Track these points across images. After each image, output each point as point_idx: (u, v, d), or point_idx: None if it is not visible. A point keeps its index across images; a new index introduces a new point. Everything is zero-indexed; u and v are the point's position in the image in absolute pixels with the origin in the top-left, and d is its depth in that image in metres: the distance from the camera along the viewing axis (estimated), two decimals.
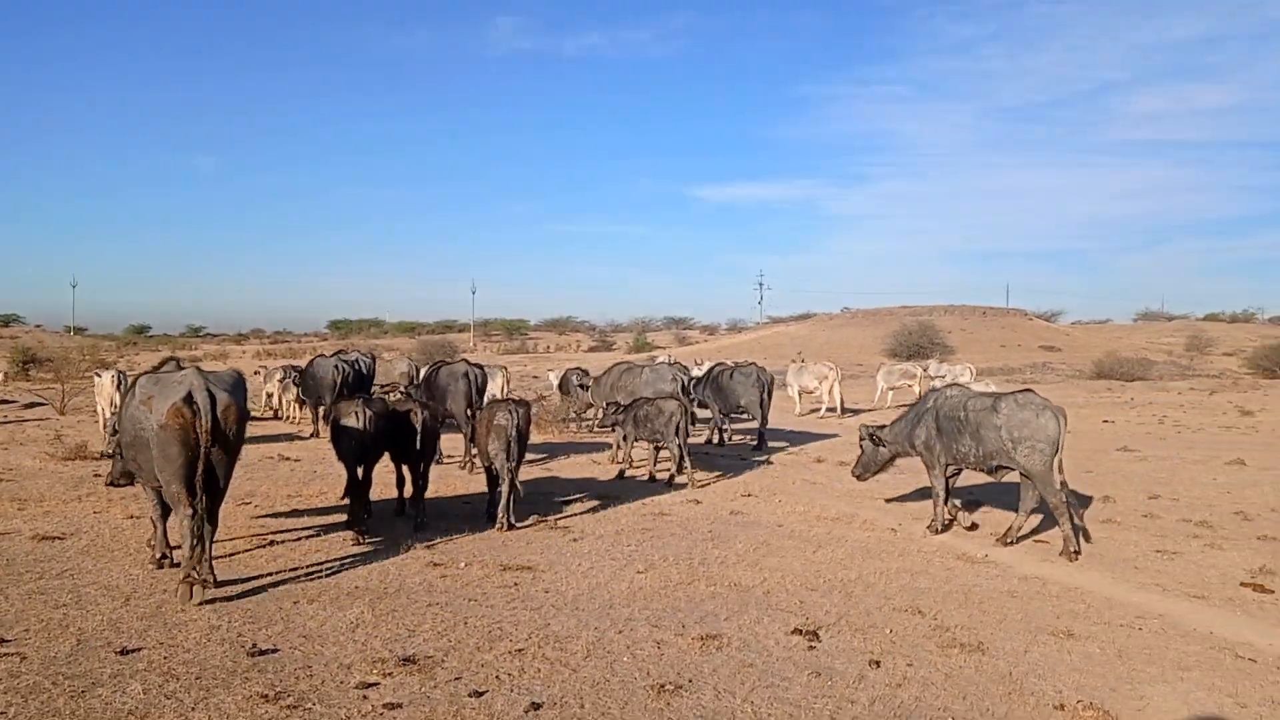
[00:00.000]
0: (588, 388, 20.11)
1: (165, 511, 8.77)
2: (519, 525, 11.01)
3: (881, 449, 11.96)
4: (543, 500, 12.77)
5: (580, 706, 5.76)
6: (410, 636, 6.94)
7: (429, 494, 11.51)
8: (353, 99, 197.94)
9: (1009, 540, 10.75)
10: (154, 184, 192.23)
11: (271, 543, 9.86)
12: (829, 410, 27.27)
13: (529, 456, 16.77)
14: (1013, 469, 10.65)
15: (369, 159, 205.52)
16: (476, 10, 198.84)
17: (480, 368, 16.81)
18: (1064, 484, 10.34)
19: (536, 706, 5.70)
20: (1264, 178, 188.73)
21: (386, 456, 11.21)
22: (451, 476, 14.47)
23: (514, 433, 10.93)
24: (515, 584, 8.57)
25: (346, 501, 10.83)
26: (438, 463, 15.86)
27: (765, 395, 19.18)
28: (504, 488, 10.94)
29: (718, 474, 15.45)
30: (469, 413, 15.39)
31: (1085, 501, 13.29)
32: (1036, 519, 11.39)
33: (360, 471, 10.62)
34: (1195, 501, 13.52)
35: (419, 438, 11.04)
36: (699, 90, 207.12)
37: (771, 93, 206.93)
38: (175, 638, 6.71)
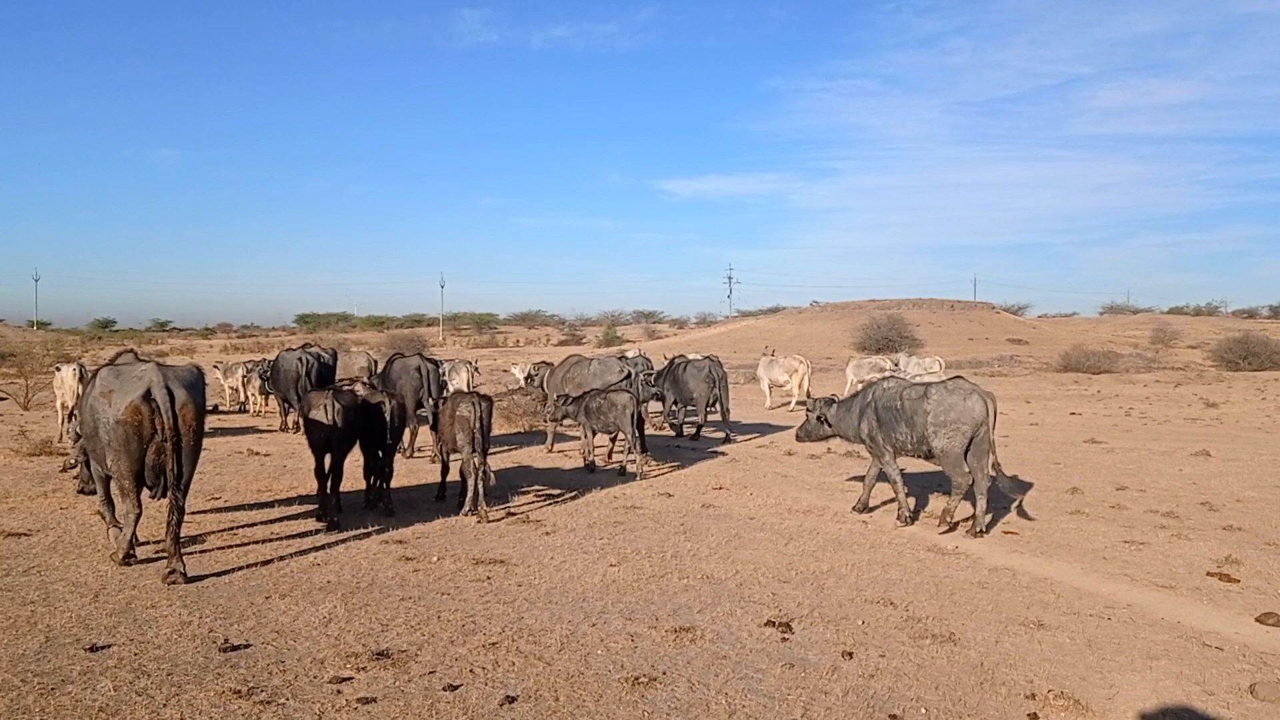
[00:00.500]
0: (542, 380, 20.15)
1: (112, 501, 9.05)
2: (473, 513, 11.17)
3: (825, 427, 12.46)
4: (514, 494, 12.75)
5: (555, 699, 5.75)
6: (383, 631, 6.90)
7: (403, 485, 11.49)
8: (318, 92, 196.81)
9: (978, 530, 10.88)
10: (118, 177, 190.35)
11: (242, 538, 9.77)
12: (799, 404, 27.39)
13: (499, 450, 16.77)
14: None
15: (336, 153, 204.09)
16: (442, 3, 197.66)
17: (434, 361, 17.37)
18: (997, 464, 10.97)
19: (511, 700, 5.69)
20: (1226, 172, 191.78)
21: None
22: (422, 470, 14.40)
23: (478, 424, 11.14)
24: (488, 578, 8.54)
25: (317, 498, 10.97)
26: (409, 456, 15.88)
27: (718, 388, 19.66)
28: (472, 479, 11.20)
29: (673, 465, 15.50)
30: (419, 404, 15.98)
31: (1053, 493, 13.47)
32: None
33: (330, 461, 10.80)
34: (1162, 493, 13.70)
35: (388, 428, 11.29)
36: (667, 84, 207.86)
37: (739, 86, 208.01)
38: (145, 634, 6.64)
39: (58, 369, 18.90)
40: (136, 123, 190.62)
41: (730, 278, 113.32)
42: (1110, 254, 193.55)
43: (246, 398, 24.59)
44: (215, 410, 24.18)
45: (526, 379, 22.49)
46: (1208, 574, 9.32)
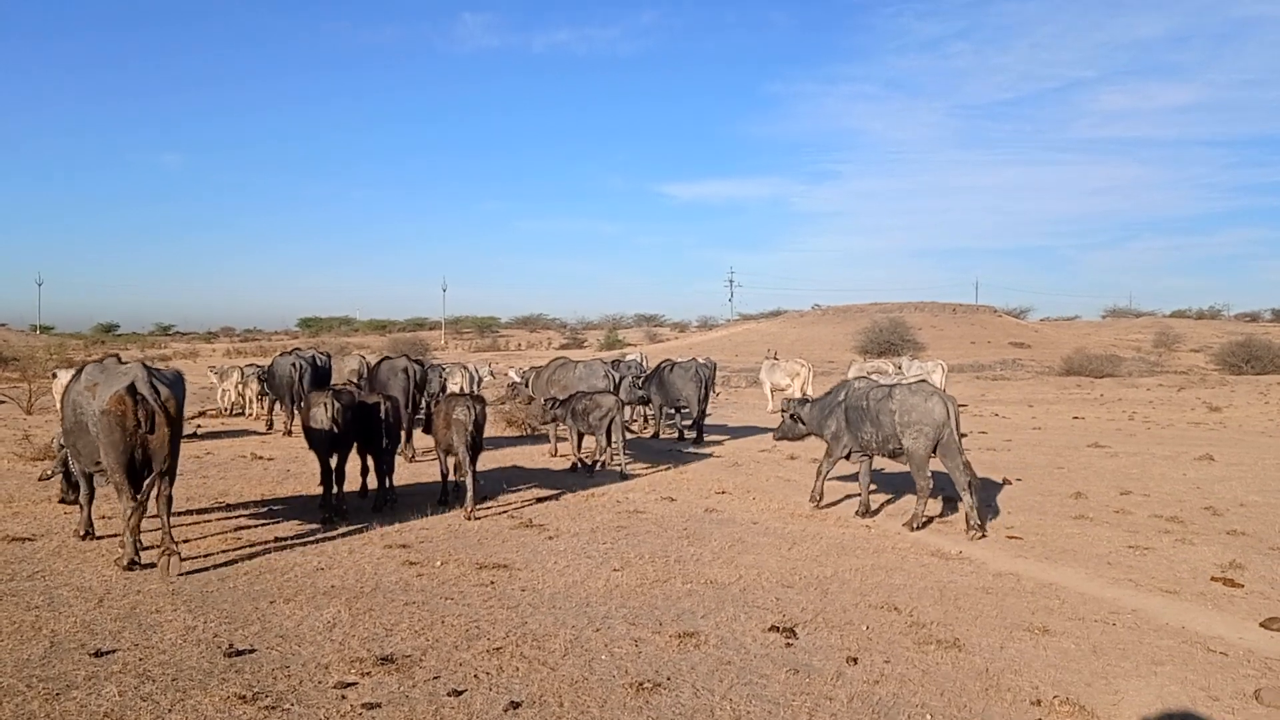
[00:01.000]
0: (528, 382, 20.28)
1: (92, 495, 9.76)
2: (480, 516, 11.42)
3: (799, 426, 12.86)
4: (516, 497, 12.76)
5: (559, 705, 5.75)
6: (388, 636, 6.90)
7: (404, 486, 11.51)
8: (321, 96, 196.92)
9: (972, 525, 11.06)
10: (121, 181, 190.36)
11: (246, 542, 9.77)
12: None
13: (497, 450, 16.78)
14: (903, 451, 11.44)
15: (338, 156, 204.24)
16: (444, 7, 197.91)
17: (421, 363, 18.04)
18: (967, 464, 11.12)
19: (515, 705, 5.68)
20: (1228, 175, 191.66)
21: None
22: (423, 472, 14.39)
23: (472, 426, 11.45)
24: (491, 582, 8.54)
25: (320, 498, 11.31)
26: (411, 460, 15.89)
27: (704, 390, 19.81)
28: (467, 479, 11.46)
29: (676, 469, 15.51)
30: (409, 405, 16.51)
31: (1057, 498, 13.46)
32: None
33: (333, 461, 11.18)
34: (1166, 497, 13.68)
35: (385, 428, 11.69)
36: (668, 88, 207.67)
37: (740, 90, 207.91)
38: (150, 639, 6.64)
39: (54, 375, 18.89)
40: (140, 127, 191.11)
41: (731, 281, 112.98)
42: (1112, 257, 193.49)
43: (247, 401, 24.68)
44: (201, 414, 24.21)
45: (510, 385, 22.63)
46: (1212, 579, 9.31)
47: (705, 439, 20.13)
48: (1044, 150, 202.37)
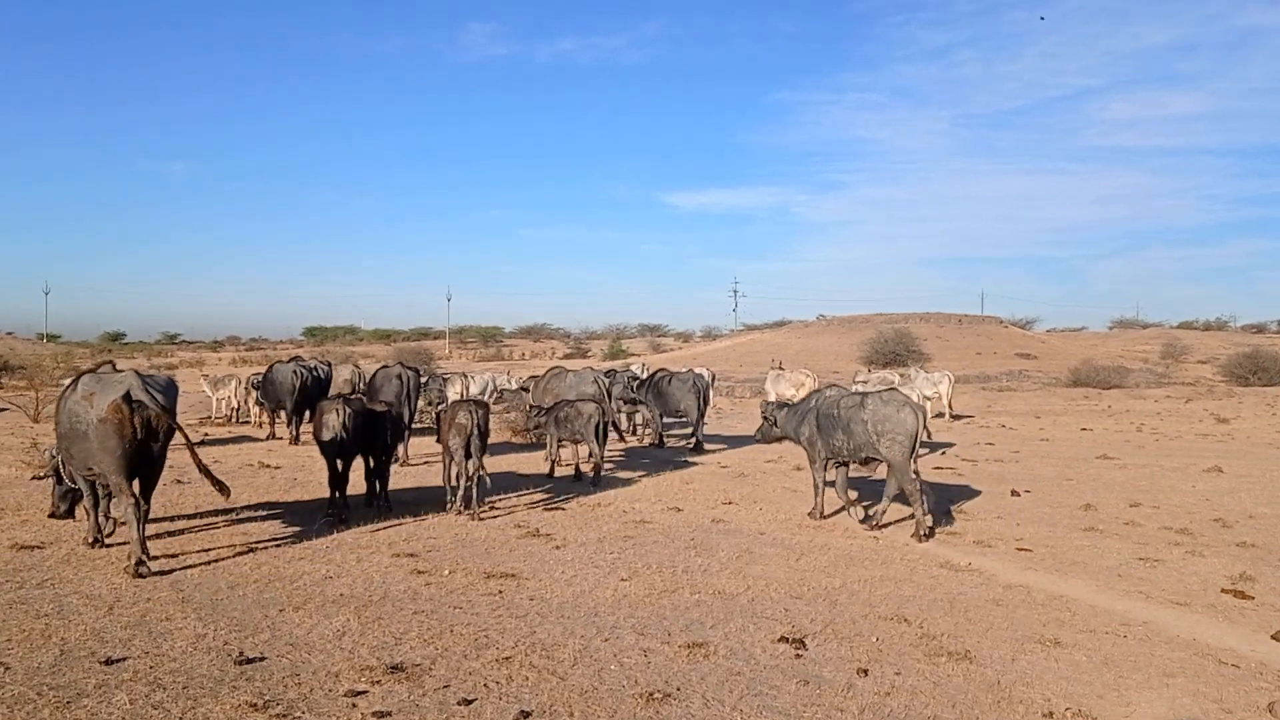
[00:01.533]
0: (528, 390, 20.51)
1: (97, 501, 9.79)
2: (484, 518, 11.82)
3: (774, 429, 13.29)
4: (522, 506, 12.75)
5: (569, 715, 5.73)
6: (397, 644, 6.90)
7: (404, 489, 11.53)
8: (327, 105, 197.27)
9: (877, 525, 11.79)
10: (127, 190, 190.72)
11: (254, 550, 9.77)
12: None
13: (509, 462, 16.78)
14: (879, 460, 11.84)
15: (343, 165, 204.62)
16: (450, 16, 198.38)
17: (415, 370, 18.66)
18: (916, 473, 11.57)
19: (526, 715, 5.67)
20: (1235, 186, 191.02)
21: None
22: (422, 475, 14.39)
23: (474, 430, 11.82)
24: (500, 591, 8.54)
25: (328, 500, 11.79)
26: (401, 464, 15.91)
27: (701, 400, 20.21)
28: (466, 481, 11.93)
29: (681, 480, 15.53)
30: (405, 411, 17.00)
31: (1067, 510, 13.42)
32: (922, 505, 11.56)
33: (340, 465, 11.67)
34: (1175, 509, 13.64)
35: (389, 435, 12.46)
36: (672, 97, 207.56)
37: (745, 99, 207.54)
38: (161, 647, 6.64)
39: (62, 383, 18.92)
40: (147, 135, 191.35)
41: (736, 291, 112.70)
42: (1119, 267, 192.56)
43: (248, 410, 24.80)
44: (204, 420, 24.28)
45: (500, 392, 22.74)
46: (1222, 591, 9.28)
47: (709, 449, 20.24)
48: (1051, 159, 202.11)
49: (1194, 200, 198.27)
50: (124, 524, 9.32)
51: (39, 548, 9.60)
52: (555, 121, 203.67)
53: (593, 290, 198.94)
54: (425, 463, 16.85)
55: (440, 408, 14.42)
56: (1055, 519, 12.76)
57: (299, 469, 15.77)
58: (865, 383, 30.47)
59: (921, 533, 11.37)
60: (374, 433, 12.14)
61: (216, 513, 11.69)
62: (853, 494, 13.02)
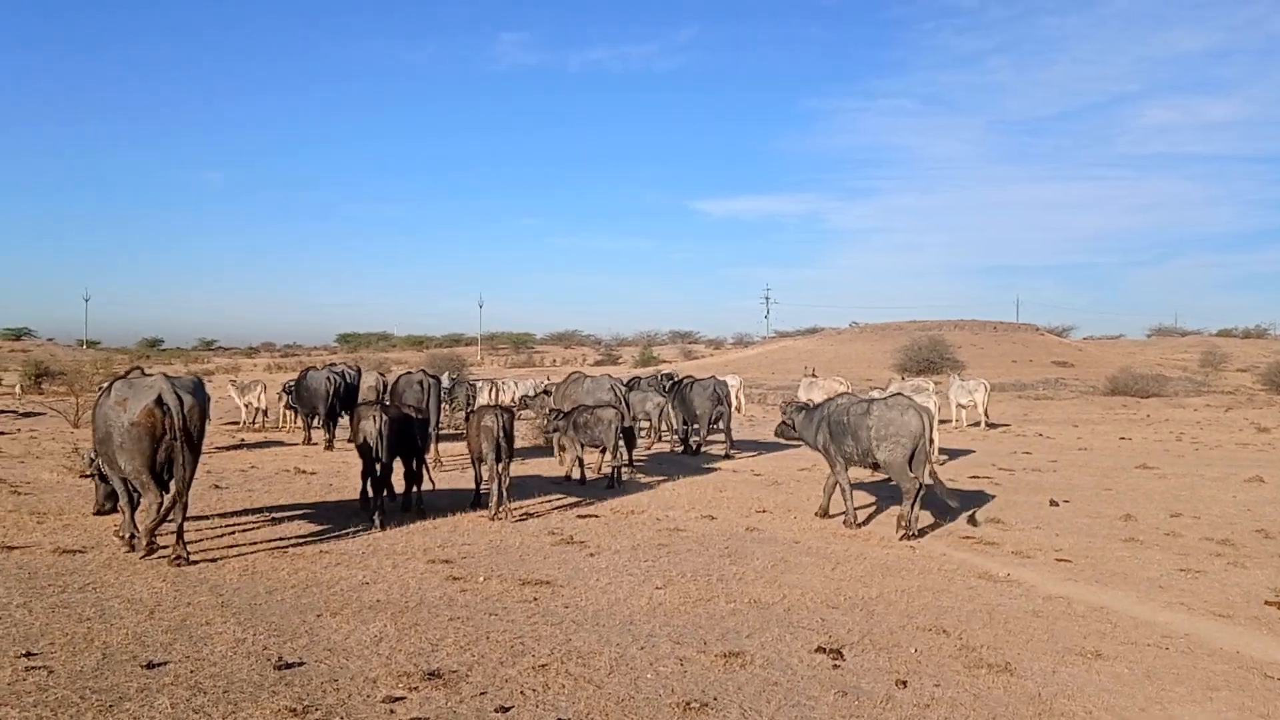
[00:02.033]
0: (550, 393, 20.90)
1: (131, 499, 10.14)
2: (515, 519, 12.19)
3: (791, 430, 13.73)
4: (557, 515, 12.77)
5: None
6: (433, 651, 6.92)
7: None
8: (360, 114, 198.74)
9: (909, 533, 11.76)
10: (164, 199, 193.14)
11: (292, 555, 9.85)
12: None
13: (539, 467, 16.81)
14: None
15: (376, 174, 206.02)
16: (481, 26, 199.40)
17: (436, 378, 19.25)
18: (934, 474, 11.92)
19: None
20: (1273, 192, 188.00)
21: None
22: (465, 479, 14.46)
23: (500, 434, 12.18)
24: (535, 599, 8.55)
25: (365, 501, 12.03)
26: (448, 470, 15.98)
27: (723, 406, 20.72)
28: (494, 484, 12.32)
29: (714, 487, 15.46)
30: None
31: (1106, 520, 13.25)
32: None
33: (379, 468, 11.85)
34: (1216, 519, 13.43)
35: (421, 438, 13.00)
36: (703, 104, 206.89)
37: (776, 106, 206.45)
38: (201, 651, 6.70)
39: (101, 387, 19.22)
40: (183, 145, 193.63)
41: (768, 298, 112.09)
42: (1157, 275, 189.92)
43: (281, 414, 25.12)
44: (235, 424, 24.52)
45: (523, 398, 22.89)
46: (1266, 603, 9.12)
47: (738, 456, 20.47)
48: (1086, 166, 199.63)
49: (1231, 207, 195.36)
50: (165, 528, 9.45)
51: (80, 552, 9.72)
52: (585, 130, 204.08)
53: (623, 297, 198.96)
54: (460, 468, 16.92)
55: (470, 409, 14.70)
56: (1095, 529, 12.60)
57: (334, 474, 15.88)
58: (882, 390, 30.32)
59: (911, 531, 11.74)
60: (409, 437, 12.52)
61: (252, 515, 11.80)
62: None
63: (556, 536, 11.27)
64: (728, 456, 20.13)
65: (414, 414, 13.13)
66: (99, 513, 11.40)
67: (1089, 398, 43.16)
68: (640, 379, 22.19)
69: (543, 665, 6.68)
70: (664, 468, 18.13)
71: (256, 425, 25.12)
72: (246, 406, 25.49)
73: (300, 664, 6.50)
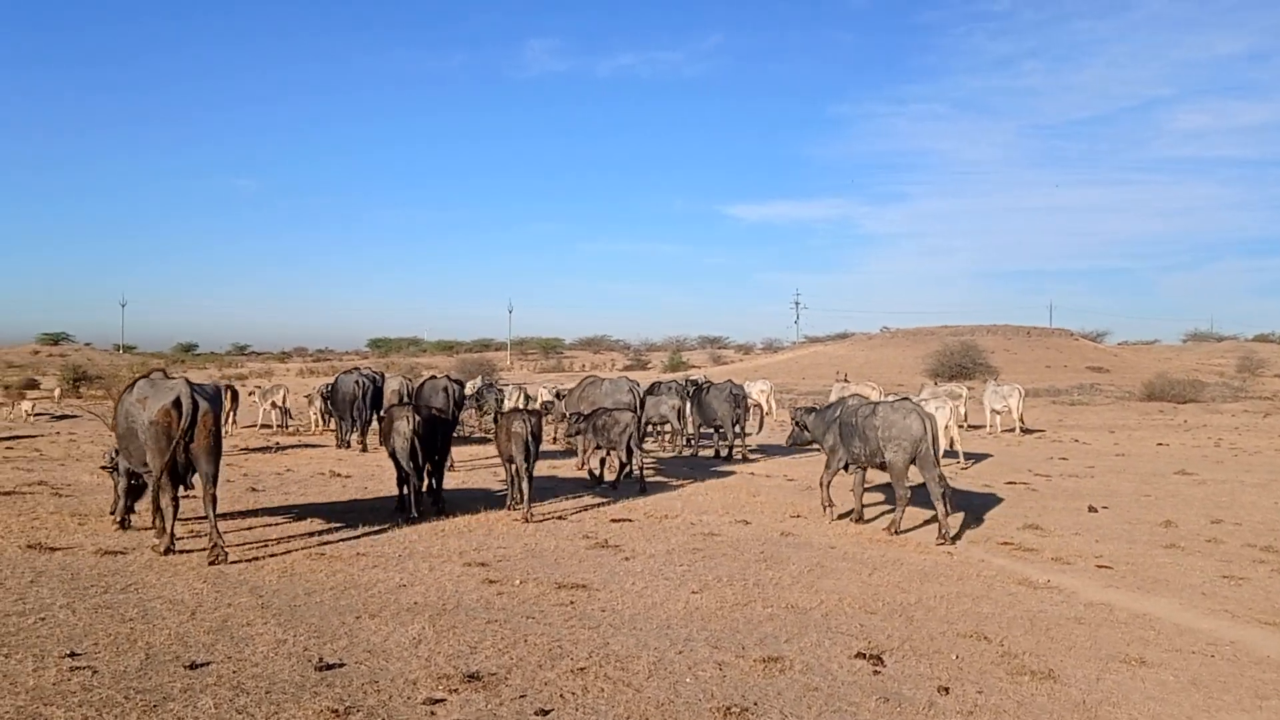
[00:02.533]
0: (562, 397, 20.92)
1: (131, 489, 11.11)
2: (538, 519, 12.54)
3: (805, 433, 14.04)
4: (590, 518, 12.77)
5: None
6: (472, 653, 6.92)
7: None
8: (389, 121, 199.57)
9: (942, 535, 11.92)
10: (198, 206, 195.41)
11: (328, 557, 9.90)
12: None
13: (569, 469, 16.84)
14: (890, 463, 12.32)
15: (406, 180, 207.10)
16: (509, 33, 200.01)
17: (460, 383, 19.76)
18: (941, 476, 12.05)
19: None
20: None
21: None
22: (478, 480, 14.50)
23: (528, 437, 12.56)
24: (571, 602, 8.54)
25: (398, 500, 12.66)
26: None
27: (739, 410, 21.01)
28: (524, 484, 12.66)
29: (747, 492, 15.40)
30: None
31: (1146, 526, 13.08)
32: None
33: (411, 467, 12.28)
34: (1259, 526, 13.22)
35: (445, 440, 13.57)
36: (732, 109, 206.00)
37: (805, 112, 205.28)
38: (243, 651, 6.75)
39: None
40: (215, 152, 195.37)
41: (798, 303, 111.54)
42: (1192, 279, 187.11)
43: (313, 418, 25.43)
44: (265, 426, 24.72)
45: (544, 403, 22.96)
46: None
47: (757, 459, 20.70)
48: (1119, 170, 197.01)
49: (1266, 211, 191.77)
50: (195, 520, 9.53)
51: (122, 553, 9.82)
52: (614, 135, 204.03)
53: (652, 303, 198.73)
54: (470, 470, 16.99)
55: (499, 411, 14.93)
56: (1135, 535, 12.44)
57: (369, 477, 15.98)
58: (951, 398, 30.11)
59: (894, 530, 12.28)
60: (437, 437, 13.05)
61: (289, 517, 11.89)
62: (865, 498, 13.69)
63: (591, 540, 11.26)
64: (730, 458, 20.35)
65: (443, 415, 13.65)
66: (114, 512, 11.45)
67: (1125, 403, 42.63)
68: (660, 383, 22.29)
69: (581, 669, 6.66)
70: (694, 472, 18.08)
71: (289, 429, 25.37)
72: (270, 408, 25.86)
73: (340, 665, 6.53)
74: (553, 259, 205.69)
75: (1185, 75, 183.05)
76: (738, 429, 21.09)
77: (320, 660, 6.58)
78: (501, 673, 6.51)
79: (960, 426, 28.15)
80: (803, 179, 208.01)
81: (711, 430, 22.02)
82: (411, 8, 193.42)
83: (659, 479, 16.80)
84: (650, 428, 21.30)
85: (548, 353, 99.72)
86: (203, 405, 9.82)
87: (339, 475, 16.34)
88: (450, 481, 14.82)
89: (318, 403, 25.00)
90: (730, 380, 22.34)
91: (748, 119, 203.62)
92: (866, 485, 13.76)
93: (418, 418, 12.49)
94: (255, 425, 25.52)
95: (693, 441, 21.99)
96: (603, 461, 16.12)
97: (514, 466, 12.89)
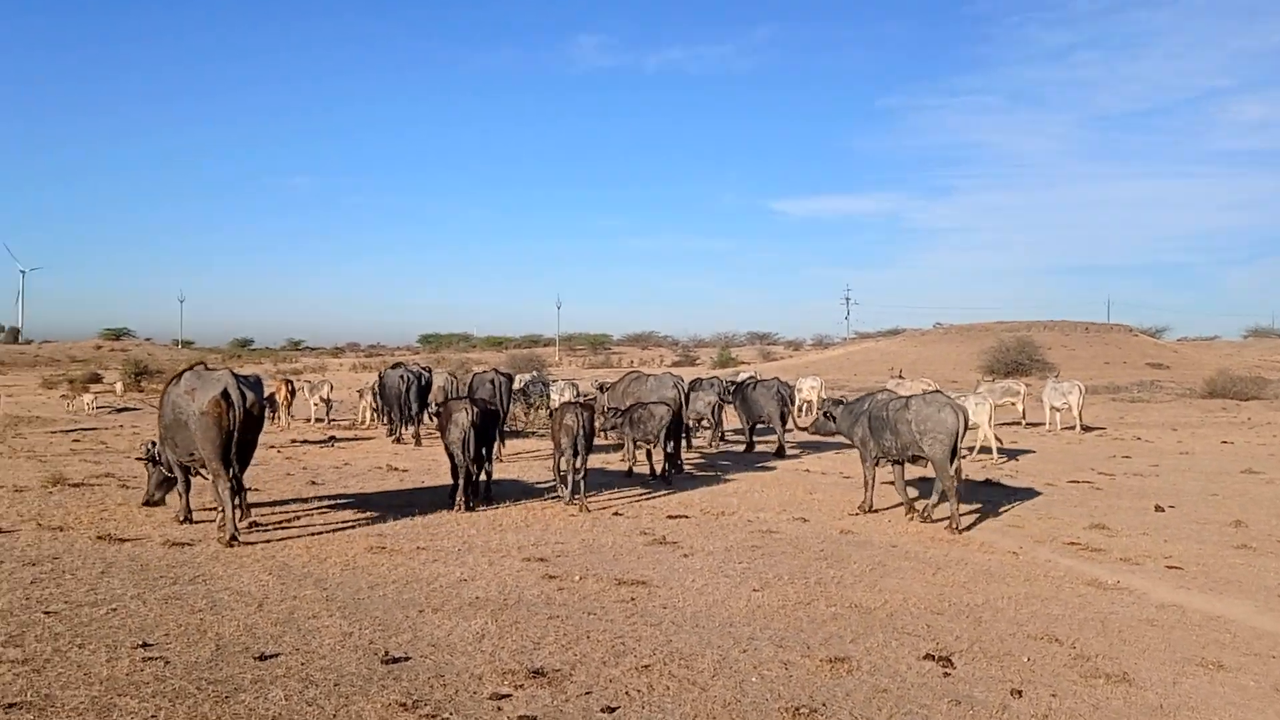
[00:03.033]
0: (605, 390, 21.12)
1: (188, 484, 11.20)
2: (592, 512, 12.72)
3: (831, 424, 14.11)
4: (646, 514, 12.72)
5: None
6: (535, 649, 6.92)
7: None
8: (442, 119, 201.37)
9: (925, 517, 12.64)
10: (256, 204, 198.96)
11: (390, 551, 9.96)
12: None
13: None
14: (923, 457, 12.48)
15: (457, 178, 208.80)
16: (559, 29, 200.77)
17: (508, 375, 20.41)
18: (958, 470, 12.33)
19: None
20: None
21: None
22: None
23: (580, 431, 12.90)
24: (632, 599, 8.50)
25: (453, 489, 12.78)
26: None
27: (785, 407, 20.88)
28: (575, 476, 13.02)
29: (805, 489, 15.25)
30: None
31: (1216, 526, 12.75)
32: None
33: (465, 458, 12.52)
34: None
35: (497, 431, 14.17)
36: (782, 103, 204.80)
37: (856, 105, 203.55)
38: (310, 644, 6.80)
39: None
40: (272, 151, 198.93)
41: (848, 299, 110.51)
42: (1253, 274, 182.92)
43: (362, 412, 25.73)
44: (317, 421, 24.99)
45: (589, 397, 22.95)
46: None
47: (792, 455, 20.52)
48: (1179, 163, 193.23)
49: None
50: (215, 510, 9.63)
51: (189, 545, 9.97)
52: (663, 131, 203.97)
53: (701, 298, 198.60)
54: (546, 464, 16.99)
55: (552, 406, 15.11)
56: (1204, 535, 12.13)
57: (425, 472, 16.07)
58: (1009, 395, 29.68)
59: (923, 517, 12.66)
60: (489, 428, 13.37)
61: (349, 510, 11.99)
62: (912, 492, 13.59)
63: (648, 537, 11.22)
64: (783, 454, 20.23)
65: (494, 408, 14.10)
66: (148, 503, 11.96)
67: (1186, 400, 41.69)
68: (700, 379, 22.23)
69: (645, 666, 6.63)
70: (747, 469, 17.96)
71: (341, 423, 25.68)
72: (319, 402, 26.22)
73: (406, 659, 6.55)
74: (601, 254, 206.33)
75: (1245, 66, 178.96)
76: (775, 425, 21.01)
77: (386, 654, 6.61)
78: (566, 669, 6.49)
79: (1018, 423, 27.76)
80: (853, 173, 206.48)
81: (760, 426, 21.84)
82: (458, 6, 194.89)
83: (709, 473, 16.72)
84: (694, 424, 21.21)
85: (596, 349, 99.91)
86: (248, 395, 10.32)
87: (396, 469, 16.46)
88: (502, 473, 14.89)
89: (368, 397, 25.35)
90: (777, 378, 22.18)
91: (796, 113, 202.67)
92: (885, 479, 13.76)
93: (475, 410, 12.68)
94: (309, 419, 25.83)
95: (735, 437, 21.87)
96: (649, 454, 16.08)
97: (565, 458, 13.14)
